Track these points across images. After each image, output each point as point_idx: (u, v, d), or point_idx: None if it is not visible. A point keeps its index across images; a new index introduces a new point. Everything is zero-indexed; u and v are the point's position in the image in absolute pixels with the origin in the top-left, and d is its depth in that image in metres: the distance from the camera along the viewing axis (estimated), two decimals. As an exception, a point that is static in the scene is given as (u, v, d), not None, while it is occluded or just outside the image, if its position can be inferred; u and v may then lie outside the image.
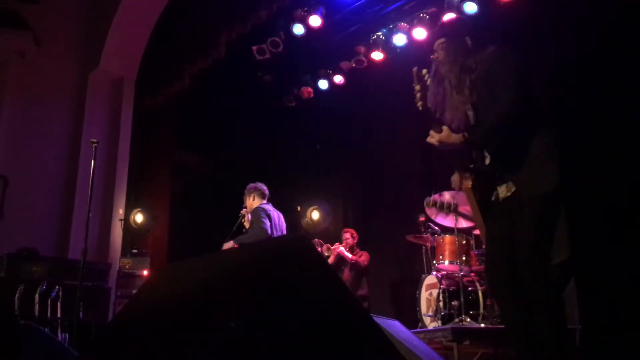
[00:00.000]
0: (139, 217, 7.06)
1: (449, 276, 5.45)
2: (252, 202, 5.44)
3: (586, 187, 3.86)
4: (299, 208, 8.31)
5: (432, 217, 5.81)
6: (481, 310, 5.10)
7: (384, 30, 6.77)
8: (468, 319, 4.94)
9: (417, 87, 2.60)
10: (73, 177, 6.65)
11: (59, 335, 4.78)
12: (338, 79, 7.48)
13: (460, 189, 2.77)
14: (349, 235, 6.95)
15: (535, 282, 2.37)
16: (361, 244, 7.05)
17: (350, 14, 6.74)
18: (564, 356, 2.31)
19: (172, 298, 1.79)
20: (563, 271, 2.46)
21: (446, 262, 5.47)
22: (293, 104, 8.01)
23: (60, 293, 4.90)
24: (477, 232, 5.40)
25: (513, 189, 2.55)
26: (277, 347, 1.40)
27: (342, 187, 8.59)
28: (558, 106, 4.30)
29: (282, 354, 1.38)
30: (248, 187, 5.52)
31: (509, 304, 2.53)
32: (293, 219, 8.31)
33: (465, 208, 5.38)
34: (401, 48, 6.62)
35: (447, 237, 5.53)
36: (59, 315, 4.87)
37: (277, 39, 6.93)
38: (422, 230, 5.86)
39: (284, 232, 5.38)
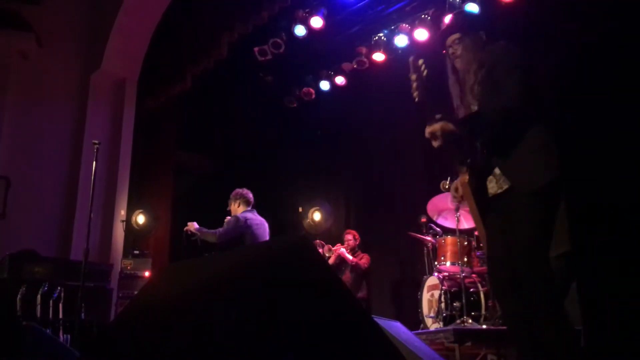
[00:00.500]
0: (140, 218, 7.07)
1: (450, 277, 5.44)
2: (237, 208, 5.48)
3: (587, 184, 3.85)
4: (300, 209, 8.31)
5: (434, 219, 5.81)
6: (483, 312, 5.09)
7: (386, 32, 6.78)
8: (470, 320, 4.93)
9: (413, 77, 2.57)
10: (75, 178, 6.66)
11: (61, 336, 4.79)
12: (339, 80, 7.49)
13: (445, 190, 2.76)
14: (351, 237, 6.95)
15: (534, 280, 2.36)
16: (363, 245, 7.05)
17: (351, 15, 6.74)
18: (566, 356, 2.30)
19: (173, 298, 1.79)
20: (566, 264, 2.45)
21: (448, 263, 5.46)
22: (295, 104, 8.02)
23: (62, 294, 4.90)
24: (478, 233, 5.41)
25: (505, 186, 2.54)
26: (278, 347, 1.40)
27: (344, 188, 8.59)
28: (559, 103, 4.29)
29: (283, 354, 1.38)
30: (234, 192, 5.55)
31: (511, 304, 2.52)
32: (295, 219, 8.32)
33: (467, 209, 5.39)
34: (403, 49, 6.63)
35: (449, 238, 5.53)
36: (60, 316, 4.88)
37: (278, 40, 6.94)
38: (424, 231, 5.85)
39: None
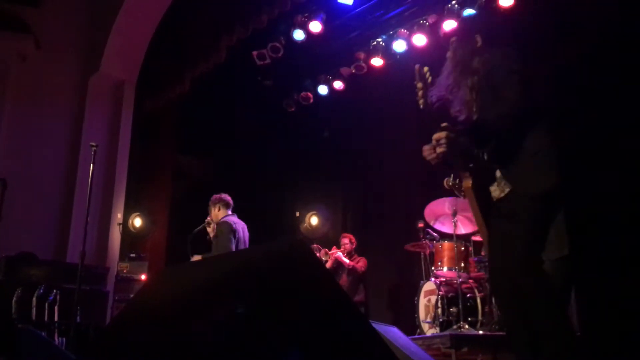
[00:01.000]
0: (137, 221, 7.05)
1: (447, 283, 5.44)
2: (218, 212, 5.52)
3: (587, 189, 3.86)
4: (298, 213, 8.31)
5: (431, 224, 5.81)
6: (480, 317, 5.09)
7: (384, 37, 6.79)
8: (466, 326, 4.92)
9: (419, 85, 2.59)
10: (72, 181, 6.65)
11: (56, 339, 4.77)
12: (338, 84, 7.50)
13: (449, 187, 2.76)
14: (347, 241, 6.94)
15: (534, 287, 2.36)
16: (360, 250, 7.04)
17: (350, 20, 6.76)
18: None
19: (170, 301, 1.78)
20: (565, 267, 2.46)
21: (445, 269, 5.46)
22: (293, 109, 8.02)
23: (58, 297, 4.88)
24: (475, 238, 5.40)
25: (507, 190, 2.55)
26: (275, 351, 1.39)
27: (341, 192, 8.59)
28: (559, 107, 4.31)
29: (280, 358, 1.38)
30: (213, 198, 5.61)
31: (511, 309, 2.52)
32: (292, 224, 8.31)
33: (465, 214, 5.39)
34: (401, 54, 6.64)
35: (446, 244, 5.53)
36: (56, 319, 4.86)
37: (277, 44, 6.95)
38: (421, 236, 5.85)
39: (247, 244, 5.44)
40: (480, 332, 4.82)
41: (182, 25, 7.17)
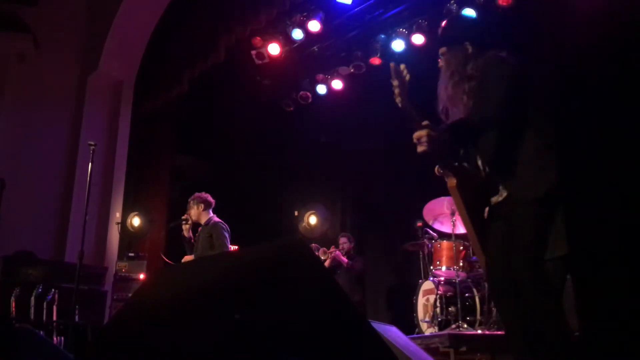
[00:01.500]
0: (136, 221, 7.04)
1: (446, 282, 5.45)
2: (201, 212, 5.45)
3: (586, 190, 3.87)
4: (296, 212, 8.31)
5: (430, 223, 5.81)
6: (478, 317, 5.10)
7: (383, 36, 6.79)
8: (465, 325, 4.93)
9: (395, 83, 2.57)
10: (70, 180, 6.64)
11: (55, 338, 4.76)
12: (336, 83, 7.50)
13: (440, 174, 2.76)
14: (345, 240, 6.95)
15: (533, 288, 2.36)
16: (358, 249, 7.05)
17: (349, 19, 6.76)
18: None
19: (168, 300, 1.78)
20: (560, 267, 2.46)
21: (443, 268, 5.47)
22: (291, 108, 8.02)
23: (56, 296, 4.87)
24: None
25: (504, 194, 2.55)
26: (272, 350, 1.39)
27: (340, 192, 8.59)
28: (557, 109, 4.31)
29: (279, 357, 1.38)
30: (196, 196, 5.52)
31: (509, 310, 2.52)
32: (291, 223, 8.31)
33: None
34: (400, 54, 6.64)
35: (445, 243, 5.53)
36: (54, 318, 4.85)
37: (276, 43, 6.95)
38: (419, 235, 5.86)
39: None
40: (479, 331, 4.83)
41: (181, 25, 7.16)
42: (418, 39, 6.40)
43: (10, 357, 2.42)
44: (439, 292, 5.32)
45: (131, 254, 6.57)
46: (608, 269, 3.84)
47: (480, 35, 2.83)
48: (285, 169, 8.38)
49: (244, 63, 7.29)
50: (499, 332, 4.42)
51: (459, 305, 5.00)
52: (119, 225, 6.77)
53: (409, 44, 6.53)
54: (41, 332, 4.09)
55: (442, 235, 5.72)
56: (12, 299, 4.75)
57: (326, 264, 6.77)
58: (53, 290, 4.87)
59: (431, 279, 5.56)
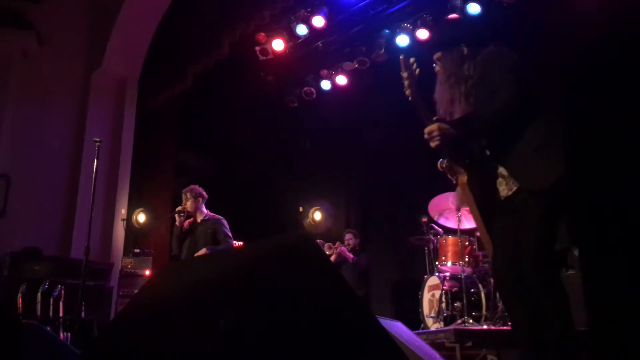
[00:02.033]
0: (141, 217, 7.06)
1: (451, 277, 5.44)
2: (198, 205, 5.46)
3: (592, 182, 3.85)
4: (301, 208, 8.30)
5: (435, 219, 5.80)
6: (484, 312, 5.09)
7: (387, 31, 6.77)
8: (470, 320, 4.93)
9: (405, 75, 2.57)
10: (76, 177, 6.65)
11: (61, 334, 4.78)
12: (341, 79, 7.48)
13: (442, 169, 2.75)
14: (351, 236, 6.95)
15: (542, 284, 2.35)
16: (363, 245, 7.05)
17: (353, 14, 6.74)
18: (569, 357, 2.29)
19: (174, 297, 1.78)
20: (561, 258, 2.46)
21: (449, 263, 5.46)
22: (295, 104, 8.01)
23: (63, 292, 4.89)
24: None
25: (514, 188, 2.54)
26: (281, 347, 1.39)
27: (345, 187, 8.58)
28: (560, 102, 4.29)
29: (287, 353, 1.38)
30: (193, 189, 5.52)
31: (516, 305, 2.52)
32: (295, 219, 8.30)
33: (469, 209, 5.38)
34: (404, 49, 6.62)
35: (450, 238, 5.52)
36: (61, 314, 4.87)
37: (280, 39, 6.94)
38: (425, 231, 5.85)
39: None
40: (484, 326, 4.82)
41: (185, 22, 7.15)
42: (422, 33, 6.38)
43: (17, 352, 2.43)
44: (444, 287, 5.31)
45: (137, 251, 6.58)
46: (617, 262, 3.82)
47: (474, 34, 2.82)
48: (289, 164, 8.38)
49: (248, 59, 7.28)
50: (505, 328, 4.42)
51: (464, 301, 5.00)
52: (125, 221, 6.78)
53: (413, 39, 6.51)
54: (48, 328, 4.11)
55: (448, 231, 5.71)
56: (19, 295, 4.78)
57: (331, 259, 6.78)
58: (59, 286, 4.90)
59: (437, 274, 5.56)
